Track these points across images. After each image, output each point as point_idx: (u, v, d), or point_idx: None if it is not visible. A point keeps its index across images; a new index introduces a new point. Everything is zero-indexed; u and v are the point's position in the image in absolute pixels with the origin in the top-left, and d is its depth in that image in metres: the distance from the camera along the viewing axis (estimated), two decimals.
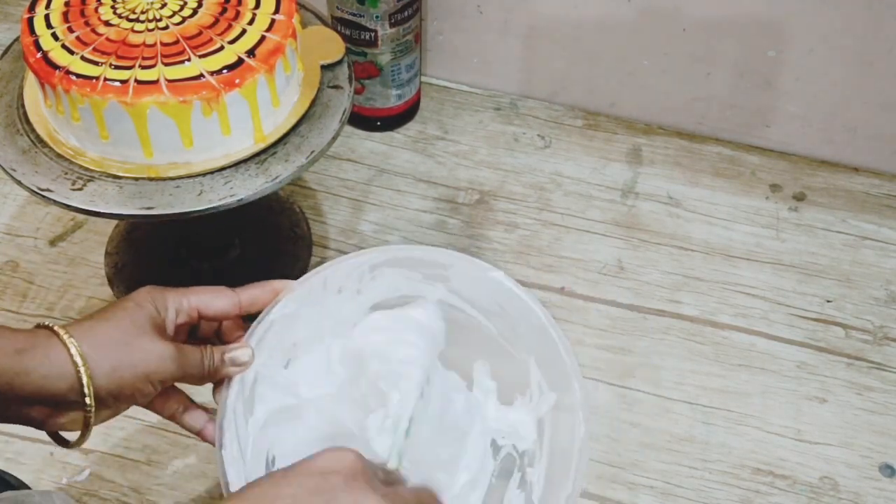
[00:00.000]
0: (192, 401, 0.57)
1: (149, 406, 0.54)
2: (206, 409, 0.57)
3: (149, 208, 0.60)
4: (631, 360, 0.76)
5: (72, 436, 0.52)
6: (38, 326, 0.49)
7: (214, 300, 0.55)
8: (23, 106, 0.65)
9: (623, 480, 0.69)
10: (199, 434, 0.57)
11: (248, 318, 0.58)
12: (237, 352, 0.55)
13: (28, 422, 0.49)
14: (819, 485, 0.70)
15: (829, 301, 0.81)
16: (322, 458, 0.48)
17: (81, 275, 0.81)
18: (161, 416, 0.56)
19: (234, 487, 0.52)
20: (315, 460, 0.48)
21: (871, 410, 0.74)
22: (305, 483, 0.46)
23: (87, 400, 0.48)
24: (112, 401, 0.50)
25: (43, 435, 0.69)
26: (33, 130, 0.64)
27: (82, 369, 0.47)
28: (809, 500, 0.69)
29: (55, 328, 0.48)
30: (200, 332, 0.57)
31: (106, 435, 0.70)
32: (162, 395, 0.54)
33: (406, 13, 0.84)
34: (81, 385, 0.47)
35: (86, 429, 0.50)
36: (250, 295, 0.56)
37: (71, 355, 0.47)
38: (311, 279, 0.60)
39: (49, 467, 0.68)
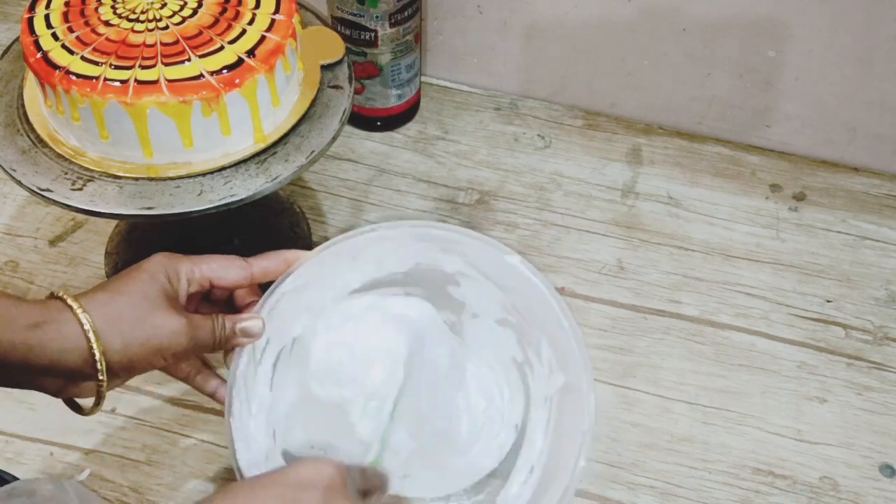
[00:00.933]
0: (205, 363, 0.58)
1: (163, 369, 0.55)
2: (219, 375, 0.58)
3: (149, 208, 0.60)
4: (631, 360, 0.76)
5: (85, 402, 0.53)
6: (52, 296, 0.50)
7: (226, 271, 0.55)
8: (23, 106, 0.65)
9: (623, 480, 0.69)
10: (212, 396, 0.58)
11: (262, 285, 0.59)
12: (248, 322, 0.55)
13: (42, 390, 0.50)
14: (819, 485, 0.70)
15: (829, 301, 0.81)
16: (301, 470, 0.49)
17: (81, 275, 0.81)
18: (175, 378, 0.57)
19: (241, 455, 0.53)
20: (294, 470, 0.49)
21: (871, 410, 0.74)
22: (283, 495, 0.47)
23: (100, 375, 0.48)
24: (124, 373, 0.51)
25: (43, 435, 0.69)
26: (33, 130, 0.64)
27: (95, 345, 0.48)
28: (809, 500, 0.69)
29: (68, 301, 0.49)
30: (213, 297, 0.57)
31: (106, 435, 0.70)
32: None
33: (406, 13, 0.84)
34: (94, 360, 0.48)
35: (99, 399, 0.51)
36: (262, 266, 0.57)
37: (84, 331, 0.48)
38: (324, 252, 0.60)
39: (49, 467, 0.68)
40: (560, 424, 0.61)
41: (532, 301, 0.62)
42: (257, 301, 0.57)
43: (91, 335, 0.48)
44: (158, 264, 0.53)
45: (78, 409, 0.54)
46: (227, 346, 0.55)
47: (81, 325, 0.48)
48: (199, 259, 0.55)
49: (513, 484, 0.62)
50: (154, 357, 0.51)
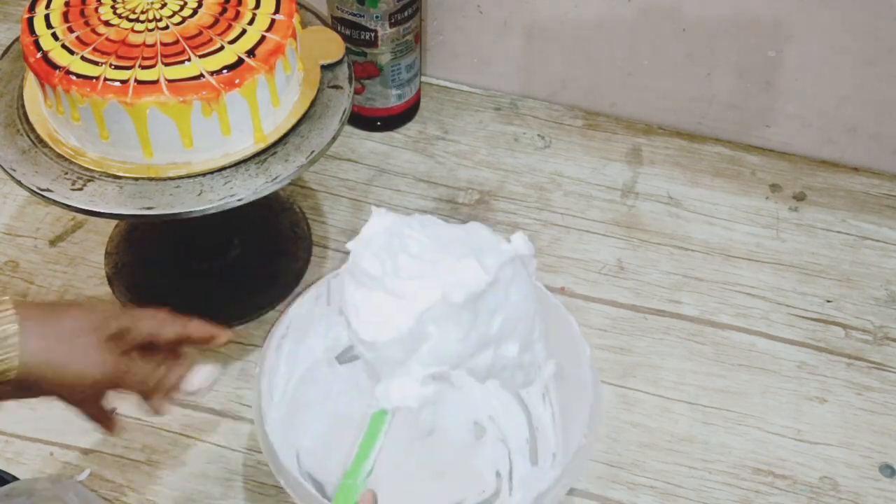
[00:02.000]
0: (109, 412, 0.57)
1: (78, 402, 0.54)
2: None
3: (149, 208, 0.60)
4: (631, 360, 0.76)
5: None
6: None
7: (163, 328, 0.55)
8: (23, 106, 0.65)
9: (623, 480, 0.69)
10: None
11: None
12: (189, 381, 0.55)
13: None
14: (819, 485, 0.70)
15: (829, 301, 0.81)
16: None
17: (81, 275, 0.81)
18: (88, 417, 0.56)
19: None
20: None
21: (871, 410, 0.74)
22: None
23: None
24: (37, 387, 0.50)
25: (43, 435, 0.70)
26: (33, 130, 0.64)
27: (8, 352, 0.48)
28: (809, 500, 0.69)
29: (7, 304, 0.49)
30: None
31: (106, 435, 0.70)
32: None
33: (406, 13, 0.84)
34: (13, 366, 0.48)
35: None
36: (198, 326, 0.57)
37: (8, 335, 0.48)
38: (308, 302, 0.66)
39: (49, 467, 0.68)
40: (563, 406, 0.64)
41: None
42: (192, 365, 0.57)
43: (14, 339, 0.48)
44: (108, 308, 0.53)
45: None
46: (163, 394, 0.55)
47: (7, 327, 0.48)
48: (138, 316, 0.54)
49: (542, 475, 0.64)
50: (73, 379, 0.51)
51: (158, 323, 0.55)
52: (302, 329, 0.66)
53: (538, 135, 0.95)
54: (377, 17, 0.83)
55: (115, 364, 0.52)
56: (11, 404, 0.72)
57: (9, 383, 0.48)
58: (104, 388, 0.53)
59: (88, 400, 0.54)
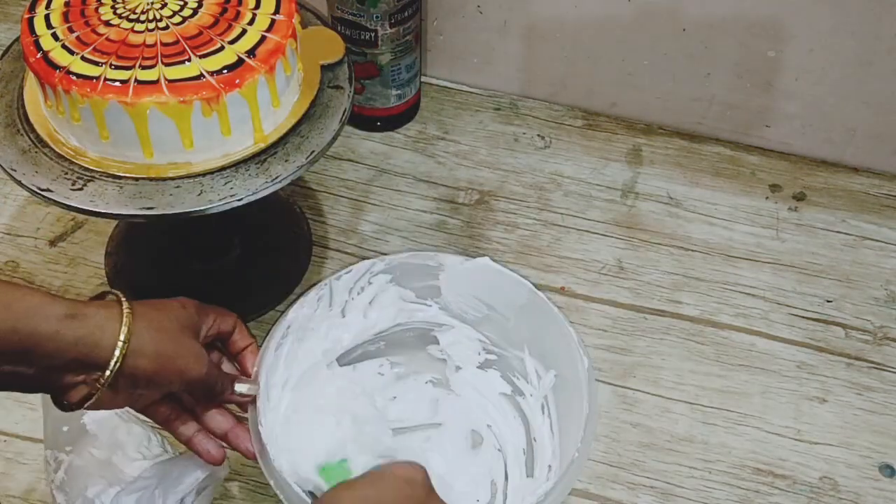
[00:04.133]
0: (183, 408, 0.58)
1: (143, 410, 0.56)
2: (197, 421, 0.59)
3: (149, 208, 0.60)
4: (631, 360, 0.76)
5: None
6: (104, 293, 0.53)
7: (225, 322, 0.59)
8: (23, 106, 0.65)
9: (623, 480, 0.69)
10: (188, 443, 0.58)
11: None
12: (246, 386, 0.59)
13: (47, 388, 0.50)
14: (819, 485, 0.70)
15: (829, 301, 0.81)
16: (402, 468, 0.53)
17: (81, 275, 0.81)
18: (154, 420, 0.58)
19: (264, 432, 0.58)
20: (395, 469, 0.53)
21: (871, 410, 0.74)
22: (399, 488, 0.51)
23: (108, 370, 0.49)
24: (133, 385, 0.51)
25: (43, 435, 0.69)
26: (33, 130, 0.64)
27: (122, 338, 0.49)
28: (809, 500, 0.69)
29: (121, 297, 0.51)
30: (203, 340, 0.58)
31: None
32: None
33: (406, 13, 0.84)
34: (118, 356, 0.49)
35: (88, 396, 0.50)
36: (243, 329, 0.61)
37: (121, 328, 0.49)
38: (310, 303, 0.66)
39: None
40: (561, 417, 0.64)
41: (508, 302, 0.66)
42: (253, 349, 0.61)
43: (124, 330, 0.49)
44: (191, 304, 0.56)
45: (63, 406, 0.52)
46: (220, 398, 0.58)
47: (121, 320, 0.49)
48: (217, 312, 0.58)
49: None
50: (173, 376, 0.53)
51: (226, 321, 0.59)
52: (302, 330, 0.66)
53: (538, 135, 0.95)
54: (377, 17, 0.83)
55: (209, 362, 0.55)
56: (11, 404, 0.72)
57: (116, 377, 0.49)
58: (196, 386, 0.55)
59: (162, 403, 0.57)
